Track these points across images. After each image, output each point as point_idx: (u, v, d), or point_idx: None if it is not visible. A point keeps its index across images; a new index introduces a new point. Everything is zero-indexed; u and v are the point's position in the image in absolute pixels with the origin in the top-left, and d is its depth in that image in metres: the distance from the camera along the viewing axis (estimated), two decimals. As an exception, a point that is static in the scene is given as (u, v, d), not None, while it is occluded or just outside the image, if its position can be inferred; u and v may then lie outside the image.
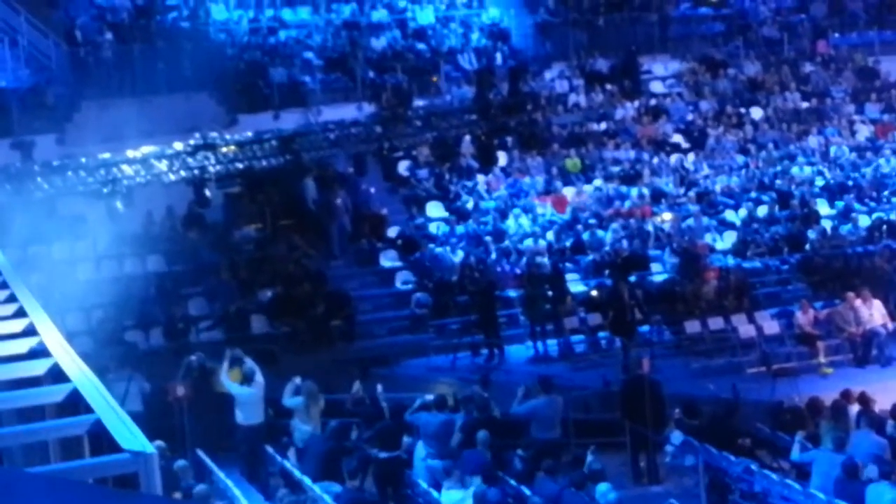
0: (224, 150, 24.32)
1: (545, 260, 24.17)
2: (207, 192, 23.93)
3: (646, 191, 27.41)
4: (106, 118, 25.60)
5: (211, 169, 24.02)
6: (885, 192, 27.58)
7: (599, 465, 14.46)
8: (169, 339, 21.67)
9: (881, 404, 17.26)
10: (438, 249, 25.02)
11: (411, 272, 24.50)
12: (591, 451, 15.11)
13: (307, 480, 14.33)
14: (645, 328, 22.57)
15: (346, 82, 29.92)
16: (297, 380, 17.21)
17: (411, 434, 16.44)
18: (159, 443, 13.08)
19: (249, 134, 25.05)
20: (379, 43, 31.16)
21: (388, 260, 25.01)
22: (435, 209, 26.62)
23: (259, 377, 17.13)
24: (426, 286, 23.90)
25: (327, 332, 22.57)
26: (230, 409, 17.25)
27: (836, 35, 34.21)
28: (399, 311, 23.85)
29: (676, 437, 16.90)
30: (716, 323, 22.56)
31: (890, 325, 22.03)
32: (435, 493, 14.45)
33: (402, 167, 28.01)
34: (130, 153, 23.02)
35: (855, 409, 17.16)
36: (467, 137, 28.73)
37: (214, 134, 24.35)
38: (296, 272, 23.56)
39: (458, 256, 24.57)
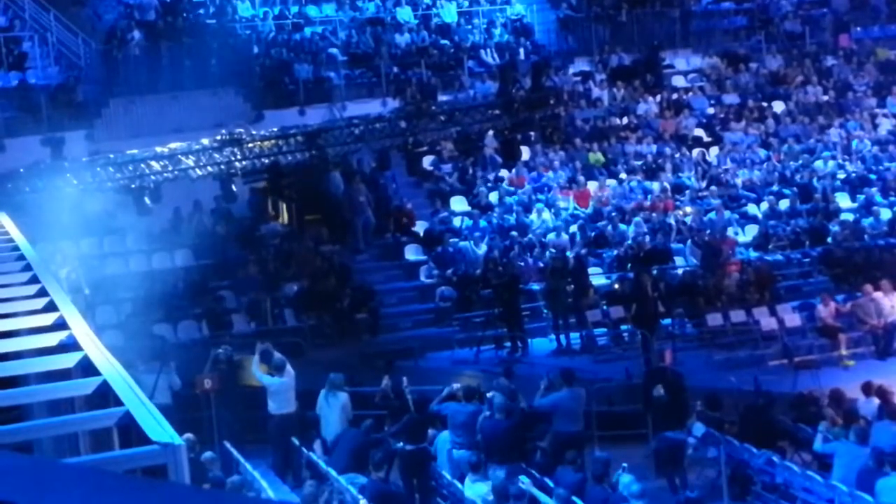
0: (250, 145, 24.51)
1: (568, 253, 24.31)
2: (234, 187, 24.15)
3: (668, 185, 27.51)
4: (134, 115, 25.94)
5: (237, 164, 24.22)
6: (907, 186, 27.62)
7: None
8: (212, 330, 21.95)
9: (904, 396, 17.32)
10: (462, 243, 25.21)
11: (435, 266, 24.70)
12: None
13: (332, 472, 14.56)
14: (667, 321, 22.67)
15: (370, 78, 30.12)
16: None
17: (436, 426, 16.62)
18: (189, 435, 13.35)
19: (275, 129, 25.23)
20: (403, 39, 31.36)
21: (412, 254, 25.22)
22: (459, 203, 26.81)
23: (289, 367, 17.40)
24: (450, 280, 24.10)
25: (352, 326, 22.81)
26: (258, 401, 17.51)
27: (858, 29, 34.18)
28: (423, 304, 24.09)
29: (698, 428, 17.01)
30: (738, 316, 22.69)
31: (911, 318, 22.09)
32: (459, 485, 14.64)
33: (427, 162, 28.21)
34: (158, 149, 23.25)
35: (875, 401, 17.25)
36: (490, 132, 28.84)
37: (240, 130, 24.53)
38: (322, 266, 23.80)
39: (482, 250, 24.76)
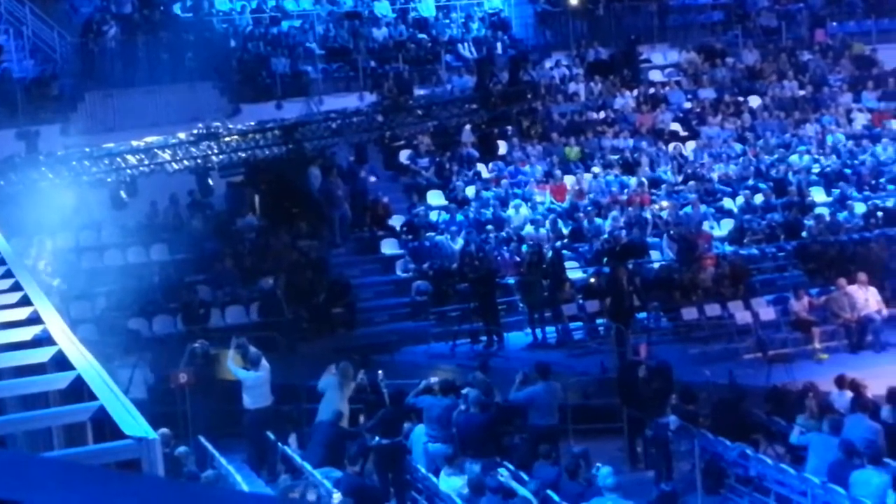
0: (227, 139, 24.50)
1: (544, 248, 24.38)
2: (210, 182, 24.13)
3: (644, 179, 27.61)
4: (110, 108, 25.88)
5: (214, 158, 24.22)
6: (882, 180, 27.74)
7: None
8: (188, 324, 21.93)
9: (876, 389, 17.43)
10: (439, 237, 25.26)
11: (412, 260, 24.73)
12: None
13: (307, 466, 14.59)
14: (642, 315, 22.77)
15: (347, 72, 30.14)
16: (333, 367, 17.42)
17: (411, 420, 16.66)
18: (163, 430, 13.36)
19: (252, 123, 25.22)
20: (380, 33, 31.37)
21: (388, 248, 25.24)
22: (435, 197, 26.84)
23: (265, 362, 17.43)
24: (426, 274, 24.13)
25: (328, 320, 22.82)
26: (233, 395, 17.52)
27: (834, 24, 34.33)
28: (399, 298, 24.10)
29: (673, 422, 17.09)
30: (713, 309, 22.80)
31: (884, 312, 22.21)
32: (434, 479, 14.69)
33: (404, 156, 28.22)
34: (134, 143, 23.22)
35: (848, 394, 17.36)
36: (468, 126, 28.93)
37: (217, 123, 24.52)
38: (298, 260, 23.81)
39: (459, 244, 24.79)
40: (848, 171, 28.05)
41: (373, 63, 30.22)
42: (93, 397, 5.97)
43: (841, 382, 17.68)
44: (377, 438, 15.88)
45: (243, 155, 24.90)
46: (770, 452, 16.04)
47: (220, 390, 18.10)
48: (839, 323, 22.21)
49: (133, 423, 5.59)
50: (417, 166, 27.92)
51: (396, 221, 25.87)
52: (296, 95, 28.61)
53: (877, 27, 34.17)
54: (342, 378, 17.04)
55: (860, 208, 26.48)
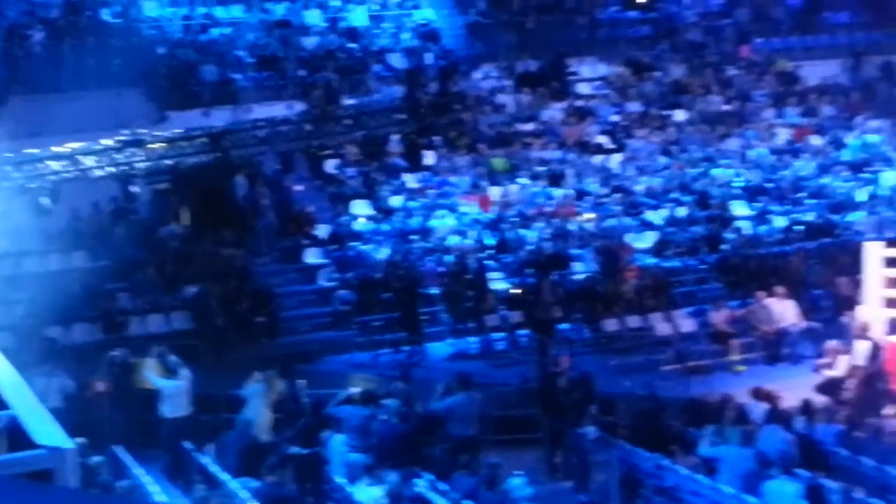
0: (153, 146, 24.41)
1: (469, 258, 24.47)
2: (136, 188, 23.99)
3: (570, 191, 27.80)
4: (34, 113, 25.61)
5: (139, 165, 24.11)
6: (802, 195, 28.14)
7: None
8: (107, 333, 21.75)
9: (791, 401, 17.75)
10: (363, 247, 25.26)
11: (336, 269, 24.71)
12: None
13: (224, 476, 14.56)
14: (565, 326, 22.93)
15: (277, 80, 30.06)
16: (258, 374, 17.42)
17: (331, 429, 16.69)
18: (80, 439, 13.27)
19: (179, 131, 25.13)
20: (310, 41, 31.34)
21: (313, 257, 25.20)
22: (361, 207, 26.83)
23: (185, 370, 17.37)
24: (350, 283, 24.12)
25: (251, 329, 22.74)
26: (152, 404, 17.43)
27: (760, 40, 34.80)
28: (322, 307, 24.05)
29: (592, 432, 17.28)
30: (634, 321, 23.03)
31: (801, 325, 22.56)
32: (352, 489, 14.72)
33: (330, 165, 28.18)
34: (58, 149, 23.04)
35: (763, 406, 17.64)
36: (396, 136, 28.99)
37: (144, 130, 24.41)
38: (221, 268, 23.69)
39: (383, 254, 24.82)
40: (769, 185, 28.43)
41: (302, 72, 30.17)
42: (4, 407, 5.94)
43: (757, 394, 17.97)
44: (296, 448, 15.90)
45: (169, 162, 24.82)
46: (686, 463, 16.23)
47: (138, 399, 18.00)
48: (757, 335, 22.51)
49: (47, 432, 5.56)
50: (344, 176, 27.89)
51: (321, 231, 25.82)
52: (224, 103, 28.50)
53: (801, 44, 34.69)
54: (267, 386, 17.06)
55: (780, 222, 26.84)
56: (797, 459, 15.39)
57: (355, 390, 18.23)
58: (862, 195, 27.94)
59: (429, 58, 31.90)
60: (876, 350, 18.99)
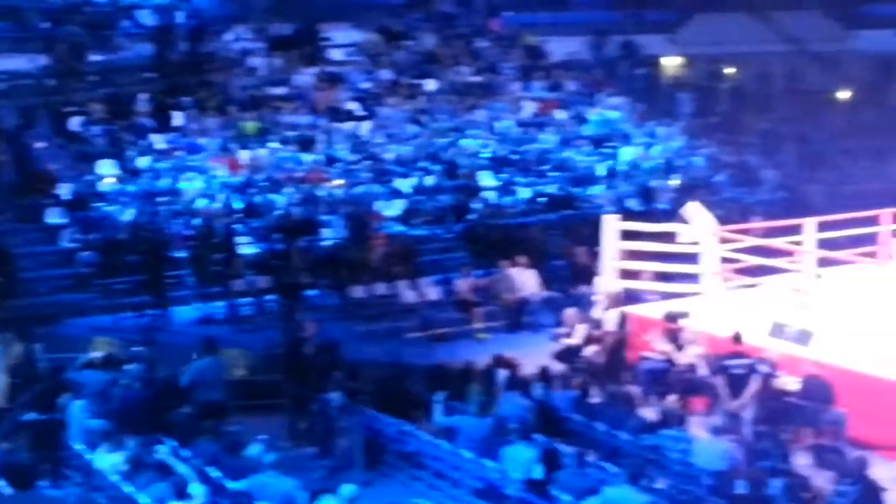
0: None
1: (217, 222, 24.23)
2: None
3: (320, 157, 27.83)
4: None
5: None
6: (545, 167, 28.93)
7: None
8: None
9: (530, 368, 18.26)
10: (108, 208, 24.68)
11: (78, 230, 24.06)
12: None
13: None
14: (312, 292, 22.99)
15: (18, 32, 28.97)
16: None
17: (70, 394, 16.31)
18: None
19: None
20: (56, -7, 30.33)
21: (54, 217, 24.45)
22: (106, 167, 26.16)
23: None
24: (93, 245, 23.54)
25: (-13, 290, 21.96)
26: None
27: (509, 13, 35.50)
28: (64, 269, 23.41)
29: (336, 398, 17.41)
30: (381, 288, 23.29)
31: (542, 294, 23.24)
32: (91, 455, 14.46)
33: (75, 123, 27.36)
34: None
35: (504, 372, 18.11)
36: (144, 95, 28.40)
37: None
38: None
39: (129, 215, 24.31)
40: (515, 157, 29.11)
41: (46, 25, 29.13)
42: None
43: (497, 361, 18.44)
44: (32, 414, 15.49)
45: None
46: (428, 429, 16.55)
47: None
48: (500, 304, 23.07)
49: None
50: (89, 134, 27.13)
51: (64, 190, 25.07)
52: (-40, 55, 27.34)
53: (548, 20, 35.59)
54: (2, 349, 16.55)
55: (525, 193, 27.54)
56: (534, 425, 15.85)
57: (96, 354, 17.85)
58: (601, 169, 28.92)
59: (180, 16, 31.30)
60: (623, 319, 19.68)
